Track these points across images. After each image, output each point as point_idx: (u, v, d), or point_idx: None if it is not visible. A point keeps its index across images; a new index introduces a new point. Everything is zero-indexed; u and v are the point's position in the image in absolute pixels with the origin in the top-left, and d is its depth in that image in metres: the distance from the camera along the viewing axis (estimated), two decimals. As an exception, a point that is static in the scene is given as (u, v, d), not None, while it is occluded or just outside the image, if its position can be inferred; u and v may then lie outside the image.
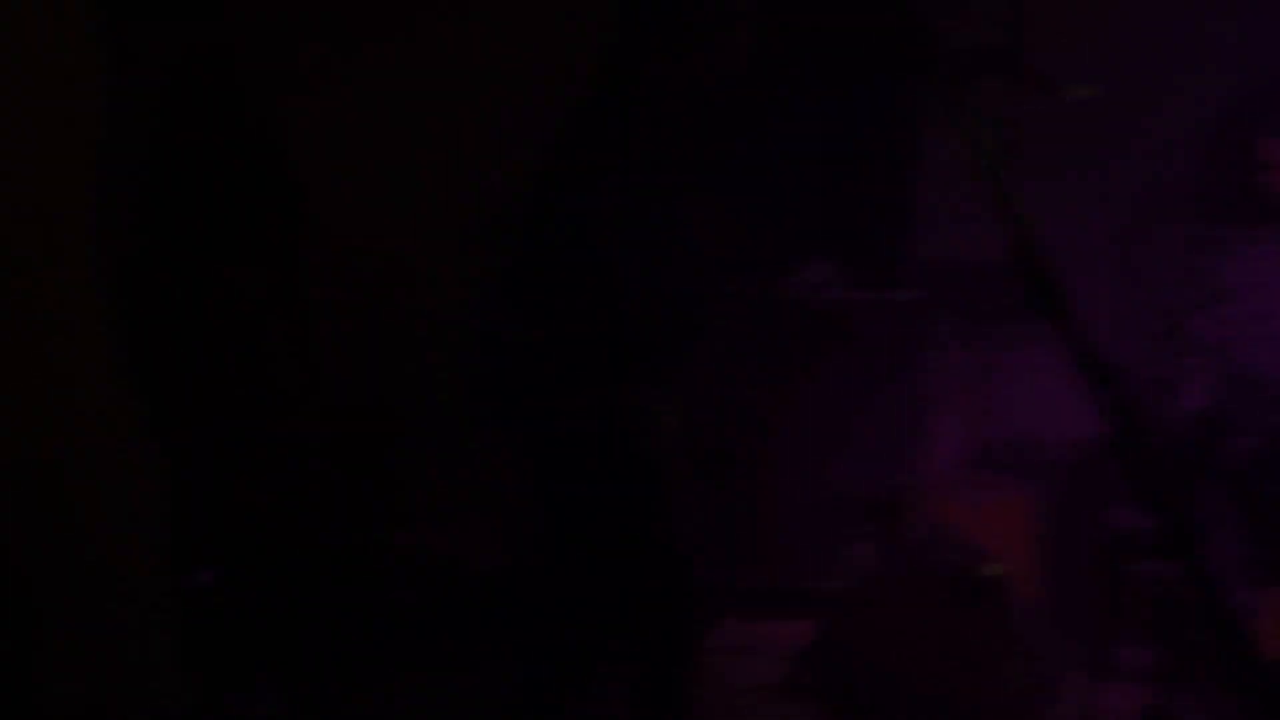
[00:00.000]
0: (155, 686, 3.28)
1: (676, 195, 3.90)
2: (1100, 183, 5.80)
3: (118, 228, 4.36)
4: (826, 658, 5.07)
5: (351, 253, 5.58)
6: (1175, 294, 5.42)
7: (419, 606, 5.38)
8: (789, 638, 5.29)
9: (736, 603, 5.36)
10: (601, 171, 3.88)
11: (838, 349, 5.68)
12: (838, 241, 5.67)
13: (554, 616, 4.09)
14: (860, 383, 5.66)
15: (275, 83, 5.28)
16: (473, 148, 5.54)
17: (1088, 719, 4.67)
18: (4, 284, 3.58)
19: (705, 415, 4.12)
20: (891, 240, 5.80)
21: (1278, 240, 5.06)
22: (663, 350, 3.99)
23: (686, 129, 3.88)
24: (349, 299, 5.61)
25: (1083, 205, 5.71)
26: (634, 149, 3.88)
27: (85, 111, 3.99)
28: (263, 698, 4.68)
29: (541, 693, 4.07)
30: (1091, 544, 5.31)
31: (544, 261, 3.91)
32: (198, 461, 4.75)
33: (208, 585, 4.73)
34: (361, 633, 5.23)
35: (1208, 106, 5.51)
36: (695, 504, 4.07)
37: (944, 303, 5.76)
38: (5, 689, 2.84)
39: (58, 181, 4.01)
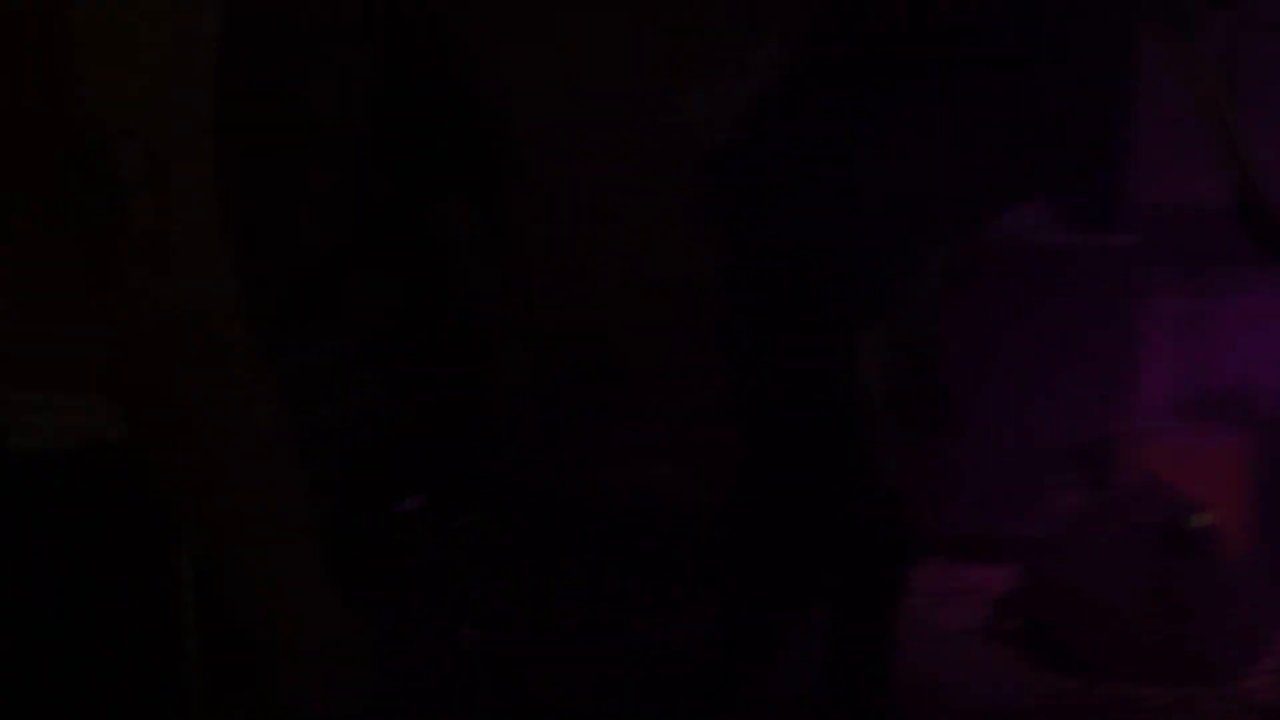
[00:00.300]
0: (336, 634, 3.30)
1: (891, 134, 3.87)
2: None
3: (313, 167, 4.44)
4: (1031, 604, 5.04)
5: (561, 192, 5.62)
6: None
7: (625, 543, 5.44)
8: (994, 583, 5.27)
9: (942, 547, 5.35)
10: (818, 110, 3.86)
11: (1051, 292, 5.61)
12: (1054, 183, 5.60)
13: (759, 556, 4.10)
14: (1073, 327, 5.59)
15: (484, 24, 5.32)
16: (682, 86, 5.54)
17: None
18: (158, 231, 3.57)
19: (914, 358, 4.10)
20: (1109, 183, 5.72)
21: None
22: (871, 292, 3.97)
23: (909, 69, 3.84)
24: (558, 239, 5.65)
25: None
26: (854, 88, 3.85)
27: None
28: (464, 626, 4.76)
29: (746, 634, 4.09)
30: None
31: (756, 201, 3.90)
32: (403, 396, 4.83)
33: (411, 515, 4.82)
34: (567, 568, 5.30)
35: None
36: (903, 448, 4.05)
37: (1160, 247, 5.67)
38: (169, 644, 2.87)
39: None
